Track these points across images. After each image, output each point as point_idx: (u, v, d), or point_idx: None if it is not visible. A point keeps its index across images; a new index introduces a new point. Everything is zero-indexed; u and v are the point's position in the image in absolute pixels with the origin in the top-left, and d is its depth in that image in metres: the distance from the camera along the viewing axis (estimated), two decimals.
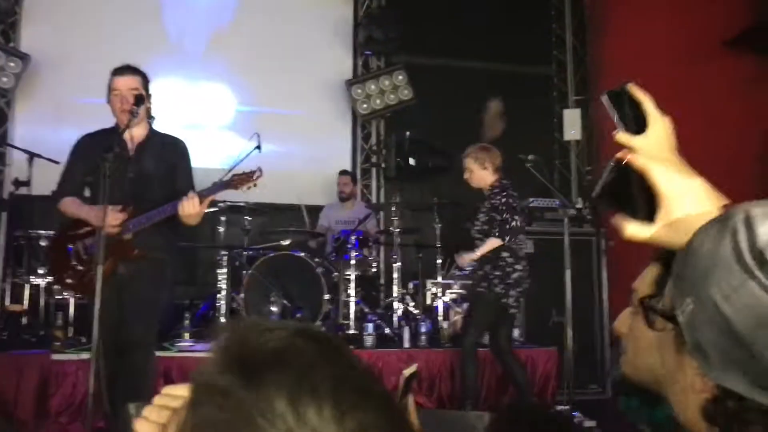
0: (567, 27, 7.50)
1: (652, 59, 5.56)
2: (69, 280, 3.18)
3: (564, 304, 3.98)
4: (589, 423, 4.25)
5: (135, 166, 3.14)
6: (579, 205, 6.01)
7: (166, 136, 3.40)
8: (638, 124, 1.06)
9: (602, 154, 7.00)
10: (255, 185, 3.01)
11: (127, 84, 3.17)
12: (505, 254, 4.00)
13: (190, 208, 2.90)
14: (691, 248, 0.72)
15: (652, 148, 1.05)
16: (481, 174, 4.23)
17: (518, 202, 4.16)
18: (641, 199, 0.96)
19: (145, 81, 3.25)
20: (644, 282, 0.92)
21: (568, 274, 3.91)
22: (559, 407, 4.28)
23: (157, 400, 0.92)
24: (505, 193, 4.08)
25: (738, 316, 0.65)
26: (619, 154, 1.02)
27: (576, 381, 3.94)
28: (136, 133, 3.20)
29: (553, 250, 5.24)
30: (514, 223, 4.01)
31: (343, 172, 6.23)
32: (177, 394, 0.92)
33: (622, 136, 1.06)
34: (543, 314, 5.51)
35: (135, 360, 3.04)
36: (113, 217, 2.96)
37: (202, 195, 2.97)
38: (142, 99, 3.12)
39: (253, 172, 2.99)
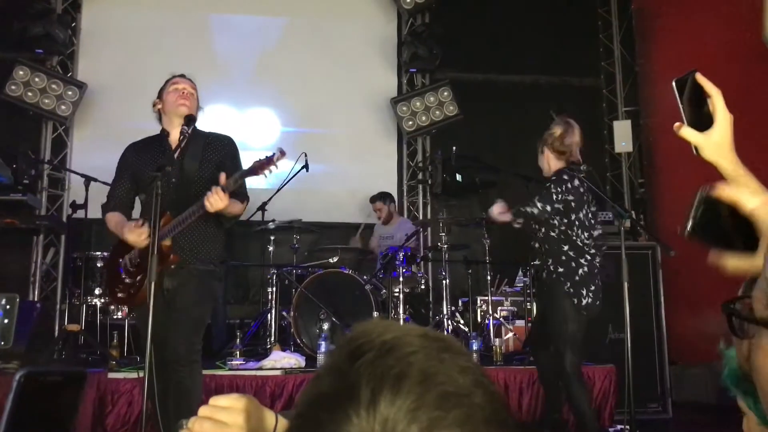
0: (615, 37, 7.37)
1: (701, 66, 5.36)
2: (120, 294, 3.21)
3: (622, 319, 3.83)
4: None
5: (176, 170, 3.09)
6: (634, 217, 5.84)
7: (210, 134, 3.32)
8: (701, 116, 1.06)
9: (654, 166, 6.82)
10: (276, 167, 2.95)
11: (187, 84, 3.27)
12: (565, 247, 3.53)
13: (218, 203, 2.83)
14: None
15: (715, 146, 1.06)
16: (541, 160, 3.76)
17: (587, 192, 3.62)
18: (734, 228, 0.94)
19: (196, 89, 3.33)
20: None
21: (625, 287, 3.76)
22: (618, 427, 4.12)
23: (202, 411, 0.91)
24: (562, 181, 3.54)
25: None
26: (705, 189, 0.98)
27: (635, 399, 3.78)
28: (175, 135, 3.20)
29: (607, 264, 5.09)
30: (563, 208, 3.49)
31: (372, 199, 6.20)
32: (223, 404, 0.91)
33: (686, 131, 1.06)
34: (600, 330, 5.34)
35: (181, 376, 3.05)
36: (137, 233, 2.99)
37: (224, 188, 2.88)
38: (193, 120, 3.17)
39: (273, 155, 2.94)
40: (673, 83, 1.06)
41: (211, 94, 6.56)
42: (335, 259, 5.54)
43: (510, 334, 5.29)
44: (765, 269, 0.69)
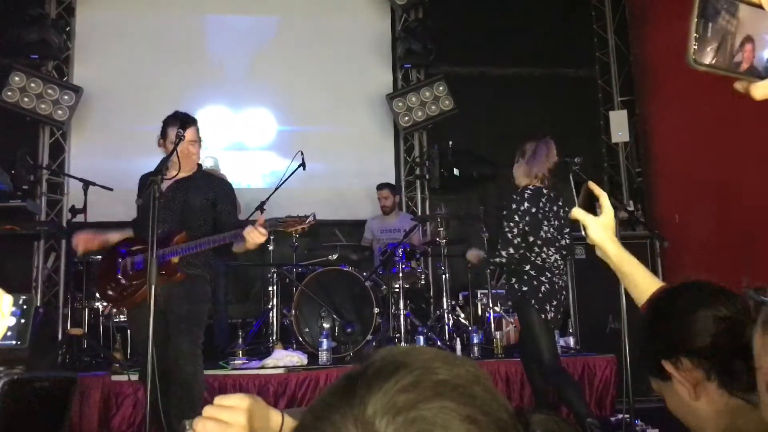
0: (608, 27, 7.37)
1: None
2: (111, 292, 3.34)
3: (620, 310, 3.85)
4: (652, 431, 4.12)
5: (177, 196, 3.35)
6: (631, 208, 5.86)
7: (212, 175, 3.68)
8: (590, 208, 1.44)
9: (651, 155, 6.83)
10: (304, 230, 3.07)
11: (193, 134, 3.40)
12: (527, 267, 3.68)
13: (259, 238, 3.02)
14: None
15: (602, 227, 1.39)
16: (515, 169, 3.91)
17: (543, 209, 3.73)
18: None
19: (196, 127, 3.45)
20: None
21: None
22: (619, 416, 4.15)
23: (206, 411, 0.93)
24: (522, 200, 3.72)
25: None
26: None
27: (636, 389, 3.80)
28: (186, 169, 3.39)
29: None
30: (513, 235, 3.67)
31: (380, 186, 6.19)
32: (227, 404, 0.93)
33: (576, 211, 1.40)
34: (599, 321, 5.37)
35: (182, 376, 3.12)
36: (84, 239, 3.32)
37: (263, 226, 3.06)
38: (191, 121, 3.32)
39: (306, 217, 3.05)
40: (570, 177, 1.50)
41: (207, 94, 6.59)
42: (335, 257, 5.56)
43: (510, 327, 5.32)
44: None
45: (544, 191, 3.77)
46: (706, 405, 0.79)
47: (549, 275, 3.70)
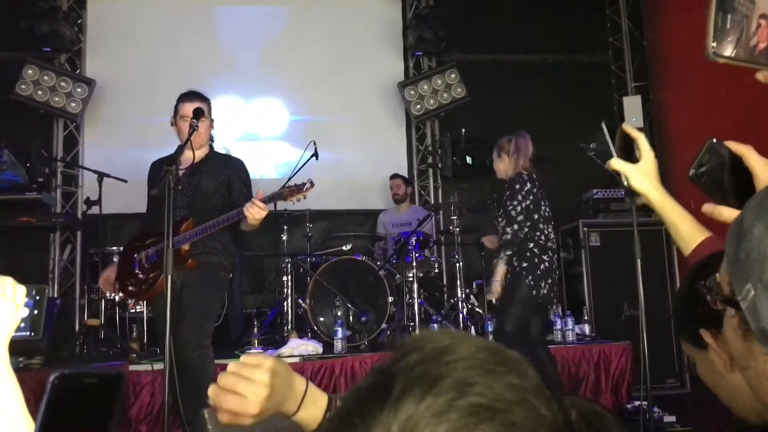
0: (622, 12, 7.27)
1: None
2: (131, 288, 3.37)
3: (636, 296, 3.83)
4: (669, 418, 4.10)
5: (191, 182, 3.35)
6: None
7: (224, 155, 3.62)
8: (628, 155, 1.27)
9: (666, 141, 6.76)
10: (305, 197, 3.06)
11: (184, 110, 3.36)
12: (530, 245, 3.87)
13: (259, 213, 3.00)
14: (742, 228, 0.67)
15: (643, 175, 1.26)
16: (497, 164, 4.15)
17: (540, 190, 3.96)
18: (732, 184, 1.00)
19: (209, 105, 3.45)
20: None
21: (638, 264, 3.76)
22: (636, 403, 4.14)
23: (230, 367, 0.93)
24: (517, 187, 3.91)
25: None
26: (715, 139, 1.06)
27: (652, 376, 3.79)
28: (197, 154, 3.35)
29: (621, 242, 5.09)
30: (519, 224, 3.85)
31: (393, 176, 6.21)
32: (250, 362, 0.93)
33: (615, 162, 1.26)
34: (615, 308, 5.35)
35: (191, 362, 3.14)
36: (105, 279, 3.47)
37: (263, 201, 3.06)
38: (201, 112, 3.23)
39: (303, 184, 3.04)
40: (603, 125, 1.23)
41: (219, 85, 6.58)
42: (348, 247, 5.57)
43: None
44: (728, 250, 0.70)
45: (534, 176, 4.02)
46: (741, 378, 0.77)
47: (550, 254, 3.92)
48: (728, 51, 0.74)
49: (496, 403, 0.52)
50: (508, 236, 3.88)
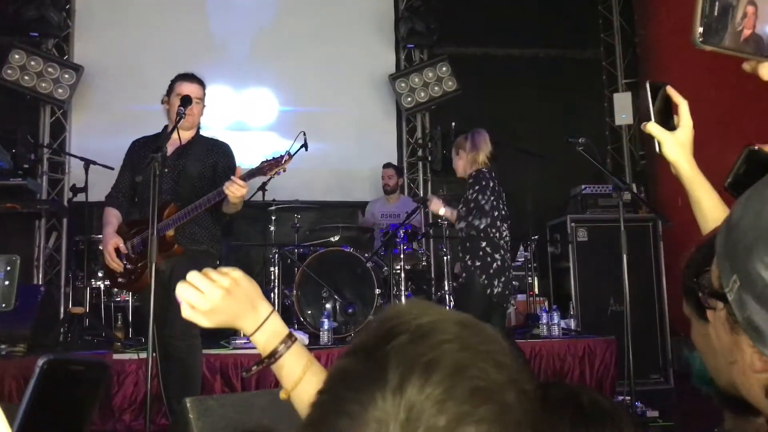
0: (614, 8, 7.28)
1: None
2: (120, 279, 3.34)
3: (622, 292, 3.85)
4: (652, 413, 4.14)
5: (177, 165, 3.32)
6: (634, 189, 5.84)
7: (211, 139, 3.56)
8: (665, 120, 1.19)
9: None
10: (284, 170, 3.04)
11: (193, 90, 3.35)
12: (483, 244, 3.85)
13: (239, 190, 2.98)
14: (731, 222, 0.67)
15: (678, 145, 1.19)
16: (456, 162, 4.15)
17: (498, 187, 3.97)
18: None
19: (204, 90, 3.46)
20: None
21: (624, 260, 3.78)
22: (620, 398, 4.17)
23: (191, 276, 1.00)
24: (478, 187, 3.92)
25: None
26: (753, 146, 1.01)
27: (636, 371, 3.82)
28: (184, 136, 3.30)
29: (608, 238, 5.11)
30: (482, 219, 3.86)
31: (386, 165, 6.21)
32: (214, 277, 1.00)
33: (652, 126, 1.19)
34: (600, 303, 5.38)
35: (180, 353, 3.13)
36: (111, 261, 3.25)
37: (243, 179, 3.04)
38: (189, 101, 3.20)
39: (281, 157, 3.03)
40: (647, 84, 1.15)
41: (209, 74, 6.45)
42: (336, 238, 5.56)
43: (511, 309, 5.32)
44: (717, 244, 0.70)
45: (493, 173, 4.02)
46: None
47: (502, 252, 3.91)
48: (714, 39, 0.73)
49: (491, 385, 0.54)
50: (480, 229, 3.84)
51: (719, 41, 0.73)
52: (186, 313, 1.00)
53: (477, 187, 3.90)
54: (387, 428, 0.52)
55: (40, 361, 0.88)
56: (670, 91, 1.21)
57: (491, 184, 3.90)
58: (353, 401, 0.53)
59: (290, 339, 1.02)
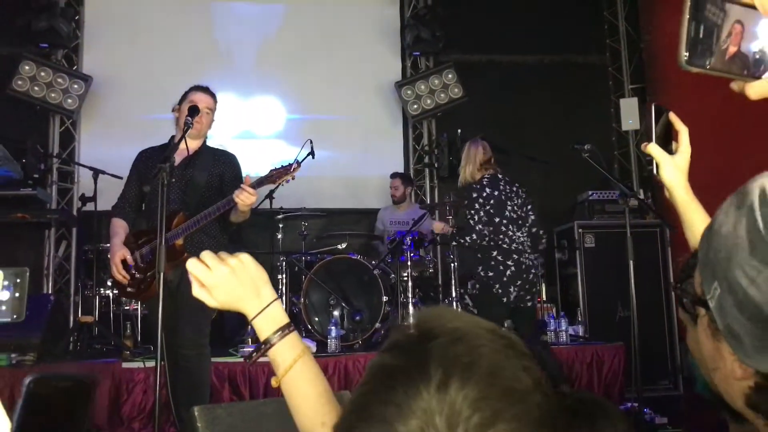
0: (619, 14, 7.28)
1: None
2: (129, 288, 3.34)
3: (629, 298, 3.84)
4: (660, 420, 4.12)
5: (185, 174, 3.35)
6: (641, 195, 5.83)
7: (217, 149, 3.59)
8: (665, 144, 1.25)
9: None
10: (293, 178, 3.06)
11: (204, 101, 3.40)
12: (494, 253, 3.87)
13: (249, 198, 2.99)
14: (712, 229, 0.68)
15: (675, 169, 1.25)
16: (462, 175, 4.20)
17: (505, 190, 3.99)
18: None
19: (215, 102, 3.51)
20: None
21: (631, 266, 3.77)
22: (629, 404, 4.15)
23: (204, 255, 1.06)
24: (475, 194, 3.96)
25: (766, 298, 0.60)
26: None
27: (645, 377, 3.80)
28: (191, 146, 3.32)
29: (615, 244, 5.08)
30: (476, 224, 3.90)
31: (393, 175, 6.21)
32: (224, 256, 1.06)
33: (652, 147, 1.25)
34: (608, 310, 5.36)
35: (189, 362, 3.13)
36: (118, 273, 3.24)
37: (252, 186, 3.06)
38: (196, 110, 3.23)
39: (290, 165, 3.05)
40: (652, 107, 1.20)
41: (216, 83, 6.48)
42: (344, 245, 5.57)
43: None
44: (699, 251, 0.71)
45: (499, 176, 4.03)
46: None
47: (516, 257, 3.90)
48: (700, 61, 0.74)
49: (521, 387, 0.59)
50: (466, 244, 3.93)
51: (705, 63, 0.74)
52: (195, 291, 1.05)
53: (466, 203, 3.96)
54: (433, 420, 0.56)
55: (27, 380, 0.89)
56: (673, 117, 1.26)
57: (484, 194, 3.91)
58: (401, 393, 0.57)
59: (288, 328, 1.06)
